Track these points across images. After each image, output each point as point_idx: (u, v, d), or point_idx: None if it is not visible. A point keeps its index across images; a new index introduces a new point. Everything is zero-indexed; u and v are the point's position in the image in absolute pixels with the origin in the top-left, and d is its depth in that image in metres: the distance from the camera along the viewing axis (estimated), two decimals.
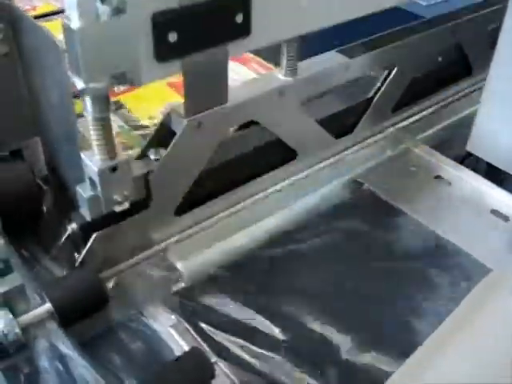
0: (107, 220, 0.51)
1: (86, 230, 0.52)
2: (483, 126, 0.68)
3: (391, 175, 0.68)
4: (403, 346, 0.49)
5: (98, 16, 0.39)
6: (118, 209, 0.49)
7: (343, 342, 0.49)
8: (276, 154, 0.64)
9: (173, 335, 0.49)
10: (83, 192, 0.48)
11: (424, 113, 0.78)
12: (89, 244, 0.51)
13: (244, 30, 0.49)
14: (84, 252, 0.52)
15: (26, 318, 0.46)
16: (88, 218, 0.49)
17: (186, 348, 0.47)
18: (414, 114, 0.77)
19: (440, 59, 0.79)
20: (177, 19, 0.43)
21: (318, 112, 0.65)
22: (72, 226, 0.51)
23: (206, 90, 0.52)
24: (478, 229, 0.62)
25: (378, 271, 0.57)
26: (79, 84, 0.42)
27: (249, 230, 0.60)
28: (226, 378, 0.46)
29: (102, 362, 0.45)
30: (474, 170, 0.69)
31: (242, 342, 0.49)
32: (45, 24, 0.96)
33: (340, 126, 0.69)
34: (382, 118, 0.73)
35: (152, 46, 0.43)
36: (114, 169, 0.47)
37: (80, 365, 0.43)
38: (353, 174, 0.68)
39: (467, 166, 0.70)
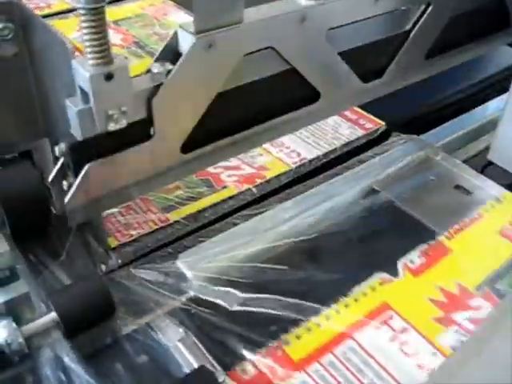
0: (102, 147, 0.45)
1: (77, 157, 0.45)
2: (505, 135, 0.66)
3: (409, 184, 0.66)
4: None
5: None
6: (113, 127, 0.43)
7: None
8: (295, 91, 0.57)
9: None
10: (73, 104, 0.42)
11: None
12: (81, 175, 0.45)
13: None
14: (75, 185, 0.45)
15: (30, 327, 0.44)
16: (79, 137, 0.43)
17: (194, 362, 0.45)
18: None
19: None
20: None
21: (343, 44, 0.58)
22: (61, 147, 0.44)
23: (219, 5, 0.46)
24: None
25: None
26: None
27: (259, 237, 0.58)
28: None
29: (106, 375, 0.44)
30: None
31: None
32: (59, 22, 0.97)
33: (368, 65, 0.62)
34: (414, 64, 0.66)
35: None
36: (109, 76, 0.41)
37: (84, 379, 0.42)
38: (370, 182, 0.66)
39: (488, 175, 0.68)
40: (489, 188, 0.65)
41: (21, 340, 0.43)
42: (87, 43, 0.40)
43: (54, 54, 0.48)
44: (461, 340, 0.49)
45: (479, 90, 0.87)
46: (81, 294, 0.46)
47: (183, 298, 0.51)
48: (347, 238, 0.59)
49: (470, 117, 0.79)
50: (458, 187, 0.65)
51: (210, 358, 0.45)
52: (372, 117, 0.77)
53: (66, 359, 0.44)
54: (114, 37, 0.95)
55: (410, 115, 0.80)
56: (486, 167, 0.70)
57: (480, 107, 0.83)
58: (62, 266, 0.52)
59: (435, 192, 0.65)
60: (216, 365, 0.45)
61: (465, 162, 0.71)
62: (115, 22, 1.00)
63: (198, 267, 0.54)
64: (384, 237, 0.59)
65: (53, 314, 0.45)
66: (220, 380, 0.42)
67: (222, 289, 0.52)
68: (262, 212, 0.61)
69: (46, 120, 0.55)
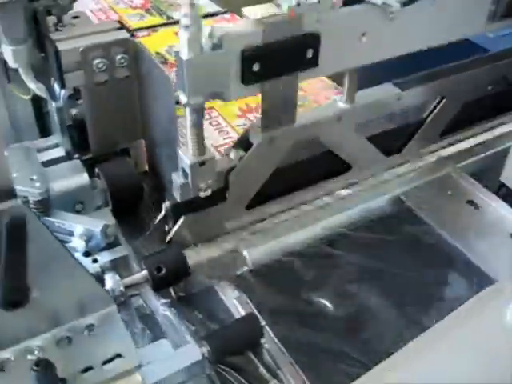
0: (193, 206, 0.66)
1: (176, 212, 0.66)
2: None
3: (430, 196, 0.79)
4: None
5: (202, 50, 0.54)
6: (202, 194, 0.63)
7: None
8: (333, 166, 0.76)
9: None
10: (177, 179, 0.63)
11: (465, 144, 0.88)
12: (178, 224, 0.66)
13: (313, 63, 0.61)
14: (174, 230, 0.66)
15: (128, 280, 0.61)
16: (178, 199, 0.64)
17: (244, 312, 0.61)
18: (458, 141, 0.86)
19: (490, 88, 0.86)
20: (260, 53, 0.57)
21: (371, 130, 0.77)
22: (166, 205, 0.66)
23: (278, 111, 0.65)
24: (496, 248, 0.72)
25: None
26: (183, 99, 0.56)
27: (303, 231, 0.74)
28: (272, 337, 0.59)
29: (180, 318, 0.60)
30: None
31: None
32: (152, 34, 1.14)
33: (390, 145, 0.80)
34: (429, 142, 0.83)
35: (240, 73, 0.57)
36: (202, 163, 0.61)
37: (166, 319, 0.58)
38: (397, 193, 0.79)
39: (503, 196, 0.79)
40: (496, 205, 0.77)
41: (121, 288, 0.59)
42: (190, 142, 0.60)
43: (156, 81, 0.65)
44: None
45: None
46: (165, 259, 0.62)
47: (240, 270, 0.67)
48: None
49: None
50: (469, 202, 0.78)
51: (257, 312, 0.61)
52: None
53: (152, 305, 0.60)
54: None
55: None
56: (500, 188, 0.83)
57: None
58: (149, 237, 0.69)
59: (449, 204, 0.78)
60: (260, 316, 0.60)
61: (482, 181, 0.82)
62: None
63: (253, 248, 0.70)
64: None
65: (144, 272, 0.61)
66: (262, 323, 0.58)
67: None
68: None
69: (144, 127, 0.72)
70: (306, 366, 0.57)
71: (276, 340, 0.58)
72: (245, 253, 0.69)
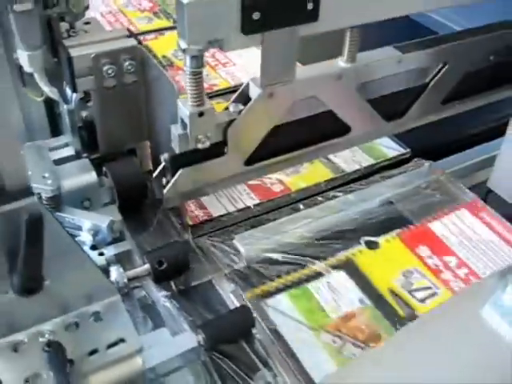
0: (192, 159, 0.67)
1: (175, 163, 0.67)
2: (503, 168, 0.82)
3: (419, 199, 0.84)
4: None
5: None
6: (200, 146, 0.64)
7: None
8: (334, 127, 0.76)
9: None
10: (175, 130, 0.64)
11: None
12: (176, 175, 0.67)
13: (313, 16, 0.61)
14: (172, 182, 0.67)
15: (131, 273, 0.65)
16: (177, 151, 0.65)
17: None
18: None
19: (492, 58, 0.83)
20: (261, 1, 0.57)
21: (372, 94, 0.75)
22: (165, 157, 0.67)
23: (277, 65, 0.65)
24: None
25: None
26: (183, 44, 0.57)
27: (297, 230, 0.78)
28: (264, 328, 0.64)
29: (179, 309, 0.65)
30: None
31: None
32: (159, 37, 1.18)
33: (391, 109, 0.79)
34: (431, 108, 0.82)
35: (240, 21, 0.57)
36: (201, 114, 0.62)
37: (166, 309, 0.63)
38: (387, 196, 0.84)
39: (490, 201, 0.85)
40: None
41: (125, 280, 0.63)
42: (189, 91, 0.61)
43: (162, 87, 0.70)
44: None
45: (487, 130, 1.04)
46: (167, 254, 0.66)
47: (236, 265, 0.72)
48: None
49: (480, 150, 0.96)
50: None
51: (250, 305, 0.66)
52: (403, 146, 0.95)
53: (154, 296, 0.65)
54: (144, 3, 1.36)
55: (430, 145, 0.98)
56: (487, 194, 0.87)
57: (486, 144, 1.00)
58: (152, 233, 0.73)
59: (437, 208, 0.83)
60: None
61: (472, 187, 0.87)
62: None
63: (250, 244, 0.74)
64: None
65: (147, 266, 0.65)
66: (254, 315, 0.62)
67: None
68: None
69: (150, 130, 0.77)
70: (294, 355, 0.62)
71: (267, 330, 0.63)
72: (241, 249, 0.74)
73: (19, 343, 0.51)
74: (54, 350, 0.48)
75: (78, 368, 0.50)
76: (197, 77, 0.60)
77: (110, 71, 0.71)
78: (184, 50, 0.58)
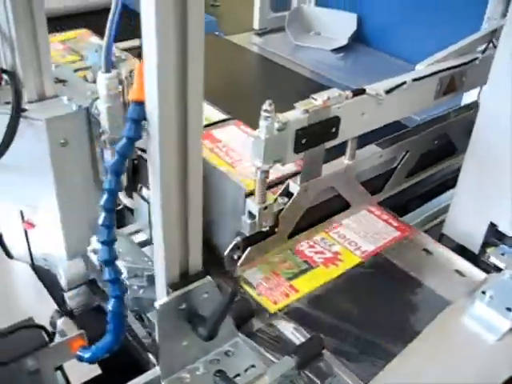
0: (256, 239, 0.93)
1: (245, 243, 0.92)
2: (455, 215, 1.07)
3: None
4: None
5: (273, 132, 0.83)
6: (264, 229, 0.91)
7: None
8: (339, 204, 1.06)
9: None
10: (245, 219, 0.88)
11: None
12: (246, 252, 0.92)
13: (335, 135, 0.93)
14: (243, 257, 0.92)
15: None
16: (247, 234, 0.90)
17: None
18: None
19: (436, 142, 1.20)
20: (306, 132, 0.87)
21: (362, 177, 1.07)
22: (237, 239, 0.91)
23: (312, 168, 0.94)
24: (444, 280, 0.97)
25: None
26: (258, 164, 0.83)
27: None
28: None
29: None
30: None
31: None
32: None
33: (374, 186, 1.11)
34: (399, 182, 1.16)
35: (293, 145, 0.86)
36: (265, 208, 0.89)
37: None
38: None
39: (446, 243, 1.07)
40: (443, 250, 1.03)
41: None
42: (258, 193, 0.87)
43: (227, 188, 0.94)
44: None
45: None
46: (238, 308, 0.85)
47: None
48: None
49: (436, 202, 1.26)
50: (425, 250, 1.03)
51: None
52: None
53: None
54: None
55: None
56: (442, 236, 1.11)
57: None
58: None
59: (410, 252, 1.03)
60: None
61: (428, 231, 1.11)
62: None
63: None
64: None
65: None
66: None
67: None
68: None
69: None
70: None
71: (328, 352, 0.83)
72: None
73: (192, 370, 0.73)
74: (223, 374, 0.71)
75: None
76: (263, 183, 0.87)
77: None
78: (258, 168, 0.85)
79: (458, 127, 1.22)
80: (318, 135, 0.90)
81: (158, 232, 0.65)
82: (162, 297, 0.69)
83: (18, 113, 0.86)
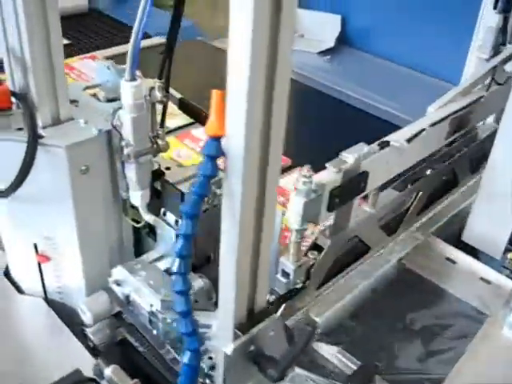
0: (289, 297, 0.91)
1: (279, 301, 0.89)
2: (475, 222, 1.11)
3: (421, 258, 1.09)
4: None
5: (310, 196, 0.81)
6: (297, 286, 0.91)
7: None
8: (361, 251, 1.07)
9: None
10: (281, 278, 0.88)
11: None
12: (282, 308, 0.88)
13: (363, 189, 0.92)
14: (279, 312, 0.87)
15: None
16: (281, 293, 0.90)
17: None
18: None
19: (444, 178, 1.23)
20: (339, 191, 0.86)
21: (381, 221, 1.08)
22: (272, 296, 0.87)
23: (340, 220, 0.94)
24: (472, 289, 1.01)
25: None
26: (295, 226, 0.82)
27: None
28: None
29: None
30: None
31: None
32: None
33: (390, 227, 1.13)
34: (411, 223, 1.17)
35: (327, 204, 0.85)
36: (300, 266, 0.89)
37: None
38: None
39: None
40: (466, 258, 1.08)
41: None
42: (291, 251, 0.87)
43: None
44: None
45: None
46: None
47: None
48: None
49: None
50: (448, 259, 1.08)
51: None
52: None
53: None
54: None
55: None
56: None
57: None
58: None
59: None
60: None
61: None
62: None
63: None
64: None
65: None
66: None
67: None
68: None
69: None
70: None
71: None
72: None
73: None
74: None
75: None
76: (299, 244, 0.87)
77: (207, 199, 0.89)
78: (296, 230, 0.85)
79: (463, 160, 1.25)
80: (349, 192, 0.89)
81: (230, 272, 0.63)
82: (226, 339, 0.65)
83: (35, 140, 0.81)
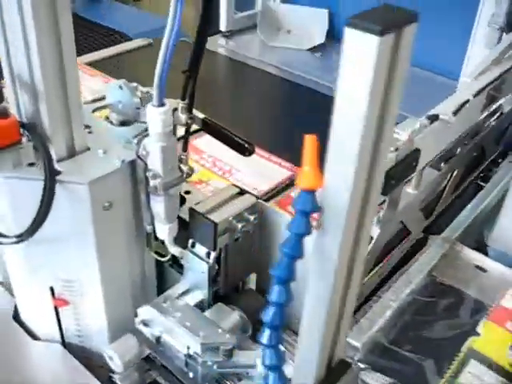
0: None
1: None
2: (503, 227, 1.08)
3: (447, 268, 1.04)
4: None
5: None
6: None
7: None
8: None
9: None
10: None
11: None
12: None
13: (415, 169, 0.84)
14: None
15: None
16: None
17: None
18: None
19: (475, 154, 1.19)
20: (395, 171, 0.77)
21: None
22: None
23: (391, 205, 0.86)
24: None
25: None
26: None
27: None
28: None
29: None
30: None
31: None
32: None
33: (428, 211, 1.08)
34: (447, 200, 1.13)
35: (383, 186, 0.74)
36: None
37: None
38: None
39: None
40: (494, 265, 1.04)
41: None
42: None
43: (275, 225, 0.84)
44: None
45: None
46: None
47: None
48: None
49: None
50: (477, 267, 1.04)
51: None
52: None
53: None
54: None
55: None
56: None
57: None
58: None
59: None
60: None
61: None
62: None
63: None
64: None
65: None
66: None
67: None
68: None
69: (259, 264, 0.89)
70: None
71: None
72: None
73: None
74: None
75: None
76: None
77: (241, 227, 0.82)
78: None
79: (490, 136, 1.21)
80: (404, 171, 0.81)
81: (317, 328, 0.55)
82: None
83: (52, 178, 0.72)
